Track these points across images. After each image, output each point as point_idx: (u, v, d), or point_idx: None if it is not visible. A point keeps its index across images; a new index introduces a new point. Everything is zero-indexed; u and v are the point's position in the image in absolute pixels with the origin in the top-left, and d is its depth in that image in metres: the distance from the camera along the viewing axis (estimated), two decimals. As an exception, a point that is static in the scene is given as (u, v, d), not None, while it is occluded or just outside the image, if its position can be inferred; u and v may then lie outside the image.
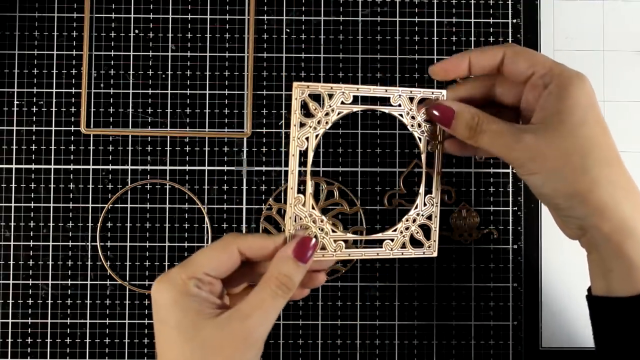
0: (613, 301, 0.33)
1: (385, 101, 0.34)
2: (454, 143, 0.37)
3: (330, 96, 0.33)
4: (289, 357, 0.44)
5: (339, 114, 0.34)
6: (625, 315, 0.32)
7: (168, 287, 0.33)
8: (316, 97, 0.33)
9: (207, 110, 0.44)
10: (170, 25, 0.45)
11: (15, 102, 0.44)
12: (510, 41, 0.45)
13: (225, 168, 0.44)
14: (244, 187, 0.44)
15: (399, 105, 0.34)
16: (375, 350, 0.44)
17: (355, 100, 0.34)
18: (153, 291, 0.33)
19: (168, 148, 0.44)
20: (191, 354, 0.32)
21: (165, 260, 0.44)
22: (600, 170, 0.32)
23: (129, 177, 0.44)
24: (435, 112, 0.35)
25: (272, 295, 0.32)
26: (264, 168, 0.44)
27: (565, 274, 0.45)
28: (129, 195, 0.44)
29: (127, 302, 0.44)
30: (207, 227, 0.44)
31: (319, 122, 0.33)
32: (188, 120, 0.44)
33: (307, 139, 0.33)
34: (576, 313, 0.44)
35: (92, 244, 0.44)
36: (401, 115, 0.35)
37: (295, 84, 0.33)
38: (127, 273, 0.44)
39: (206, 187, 0.44)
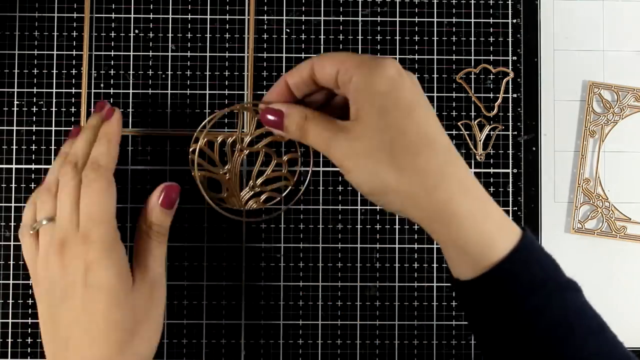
0: (462, 285, 0.32)
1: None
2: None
3: None
4: (289, 357, 0.44)
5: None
6: (470, 297, 0.32)
7: (116, 260, 0.34)
8: None
9: (207, 110, 0.44)
10: (170, 25, 0.45)
11: (15, 102, 0.44)
12: (510, 41, 0.45)
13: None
14: (244, 187, 0.44)
15: None
16: (375, 350, 0.44)
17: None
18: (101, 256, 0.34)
19: (168, 148, 0.44)
20: (122, 318, 0.34)
21: (165, 260, 0.43)
22: (406, 160, 0.30)
23: (129, 177, 0.44)
24: (269, 117, 0.35)
25: (155, 244, 0.36)
26: (264, 168, 0.44)
27: (565, 273, 0.45)
28: (129, 195, 0.44)
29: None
30: (206, 225, 0.44)
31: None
32: (188, 120, 0.44)
33: None
34: (576, 313, 0.44)
35: (92, 244, 0.44)
36: None
37: None
38: (127, 273, 0.44)
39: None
